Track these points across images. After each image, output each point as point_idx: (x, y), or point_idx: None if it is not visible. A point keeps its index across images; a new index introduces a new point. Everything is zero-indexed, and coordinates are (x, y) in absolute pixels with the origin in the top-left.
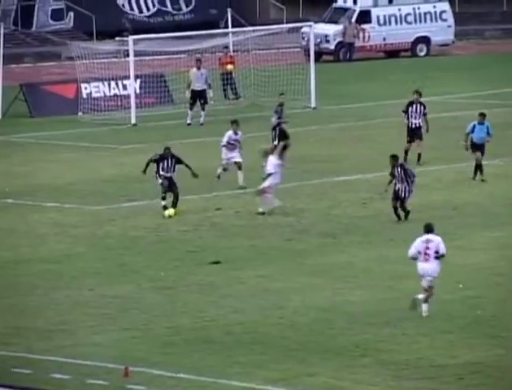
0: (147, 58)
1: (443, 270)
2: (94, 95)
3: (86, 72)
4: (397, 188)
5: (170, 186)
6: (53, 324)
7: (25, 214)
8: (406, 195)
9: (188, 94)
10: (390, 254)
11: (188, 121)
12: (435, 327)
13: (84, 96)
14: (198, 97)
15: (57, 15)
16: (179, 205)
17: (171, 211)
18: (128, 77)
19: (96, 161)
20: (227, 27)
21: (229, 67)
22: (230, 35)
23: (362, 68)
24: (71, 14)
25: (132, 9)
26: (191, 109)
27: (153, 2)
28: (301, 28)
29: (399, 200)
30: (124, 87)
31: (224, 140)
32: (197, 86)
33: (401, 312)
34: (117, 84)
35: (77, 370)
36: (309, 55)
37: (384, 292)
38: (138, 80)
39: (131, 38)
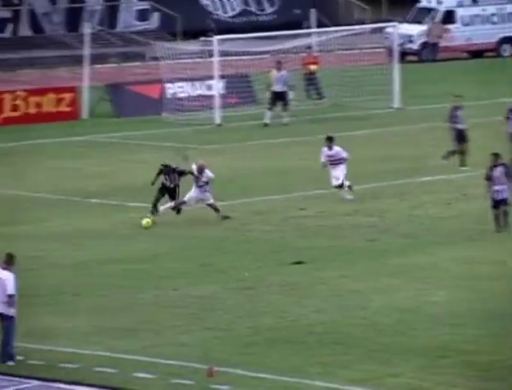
0: (231, 58)
1: None
2: (178, 95)
3: (170, 72)
4: (495, 192)
5: (172, 195)
6: (137, 323)
7: (109, 214)
8: (506, 197)
9: (268, 95)
10: (473, 255)
11: (266, 121)
12: None
13: (169, 96)
14: (278, 98)
15: (142, 15)
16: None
17: (147, 222)
18: (212, 77)
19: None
20: (310, 27)
21: (312, 67)
22: (313, 35)
23: (446, 68)
24: (156, 14)
25: (216, 9)
26: (270, 109)
27: (237, 3)
28: (384, 28)
29: (499, 205)
30: (209, 87)
31: (322, 157)
32: (277, 88)
33: (484, 312)
34: (201, 84)
35: (162, 369)
36: (392, 55)
37: (467, 292)
38: (222, 81)
39: (215, 38)
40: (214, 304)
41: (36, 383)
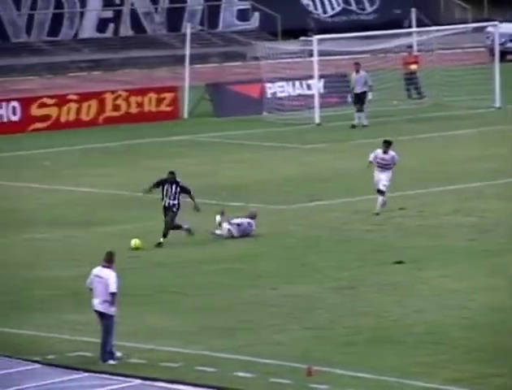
0: (331, 57)
1: None
2: (279, 95)
3: (271, 72)
4: None
5: (165, 214)
6: (236, 323)
7: (208, 214)
8: None
9: (350, 99)
10: None
11: (354, 123)
12: None
13: (269, 95)
14: (360, 99)
15: (242, 15)
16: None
17: (135, 242)
18: (312, 77)
19: (280, 160)
20: (410, 26)
21: (413, 66)
22: (414, 34)
23: None
24: (257, 14)
25: (316, 8)
26: (358, 110)
27: (337, 2)
28: (485, 27)
29: None
30: (308, 87)
31: (371, 156)
32: (358, 89)
33: None
34: (301, 83)
35: (261, 368)
36: (493, 55)
37: None
38: (322, 80)
39: (315, 38)
40: (313, 303)
41: (137, 381)
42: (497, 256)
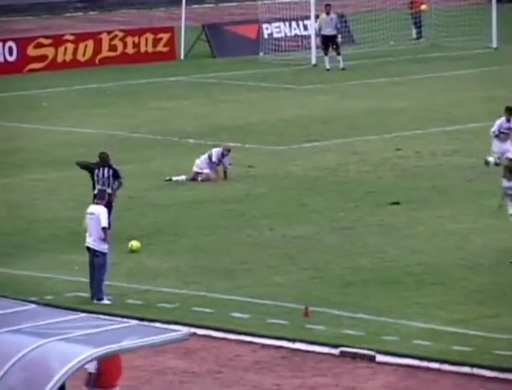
0: None
1: None
2: (275, 35)
3: (267, 12)
4: None
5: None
6: (234, 264)
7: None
8: None
9: (318, 40)
10: None
11: (327, 66)
12: None
13: (266, 36)
14: (330, 42)
15: None
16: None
17: (133, 245)
18: (308, 17)
19: (277, 101)
20: None
21: (423, 6)
22: None
23: None
24: None
25: None
26: (326, 54)
27: None
28: None
29: None
30: (305, 27)
31: (495, 128)
32: (328, 31)
33: None
34: (298, 24)
35: (257, 309)
36: None
37: None
38: (318, 21)
39: None
40: (311, 244)
41: (133, 322)
42: (496, 197)
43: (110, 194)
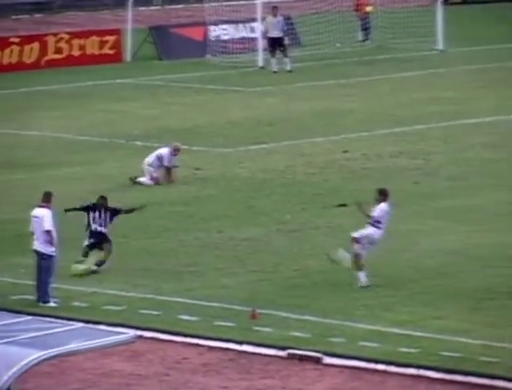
0: (274, 0)
1: None
2: (222, 38)
3: (214, 15)
4: None
5: (101, 242)
6: (182, 266)
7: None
8: None
9: (265, 42)
10: None
11: (274, 69)
12: None
13: (213, 38)
14: (276, 44)
15: None
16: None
17: (79, 268)
18: (255, 20)
19: (224, 103)
20: None
21: (368, 8)
22: None
23: (491, 11)
24: None
25: None
26: (273, 56)
27: None
28: None
29: None
30: (252, 29)
31: None
32: (275, 34)
33: None
34: (245, 26)
35: (205, 311)
36: None
37: None
38: (265, 23)
39: None
40: (259, 246)
41: (79, 324)
42: (443, 198)
43: (104, 234)
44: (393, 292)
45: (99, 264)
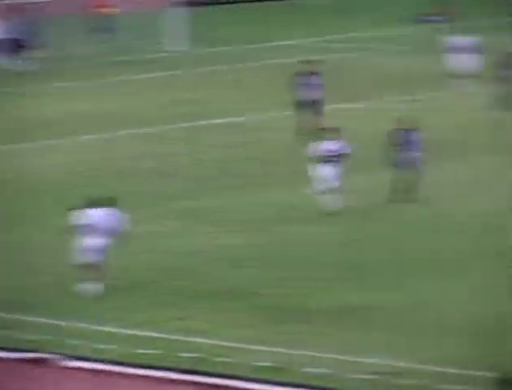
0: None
1: None
2: None
3: None
4: None
5: None
6: None
7: None
8: None
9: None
10: (265, 198)
11: (16, 70)
12: (309, 273)
13: None
14: (15, 45)
15: None
16: None
17: None
18: None
19: None
20: None
21: (105, 9)
22: None
23: (235, 12)
24: None
25: None
26: (12, 58)
27: None
28: None
29: None
30: None
31: None
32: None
33: (278, 257)
34: None
35: None
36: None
37: (261, 236)
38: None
39: None
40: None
41: None
42: (184, 199)
43: None
44: (135, 293)
45: None
